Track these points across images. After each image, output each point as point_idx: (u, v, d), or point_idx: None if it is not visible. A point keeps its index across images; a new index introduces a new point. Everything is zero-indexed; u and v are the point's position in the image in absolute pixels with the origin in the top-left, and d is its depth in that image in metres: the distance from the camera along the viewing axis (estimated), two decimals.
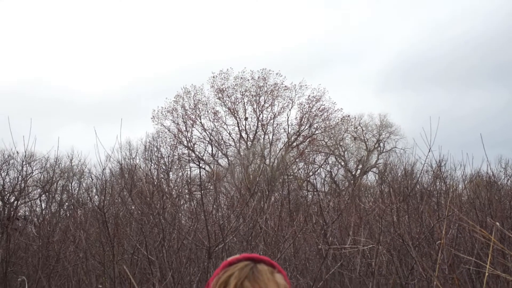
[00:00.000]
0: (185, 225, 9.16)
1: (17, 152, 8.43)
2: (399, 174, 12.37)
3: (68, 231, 9.32)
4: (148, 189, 8.46)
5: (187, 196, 11.04)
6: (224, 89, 41.75)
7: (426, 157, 8.54)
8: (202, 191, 9.93)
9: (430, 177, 11.49)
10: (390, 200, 9.23)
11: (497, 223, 5.83)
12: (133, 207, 8.97)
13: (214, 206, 8.33)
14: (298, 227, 8.38)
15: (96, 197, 9.91)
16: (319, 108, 42.02)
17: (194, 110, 41.17)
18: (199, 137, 40.72)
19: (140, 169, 12.48)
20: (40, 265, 8.21)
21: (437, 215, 8.54)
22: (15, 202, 11.62)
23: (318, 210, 9.56)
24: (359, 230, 8.66)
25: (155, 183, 9.89)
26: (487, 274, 4.94)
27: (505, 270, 6.40)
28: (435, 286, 5.96)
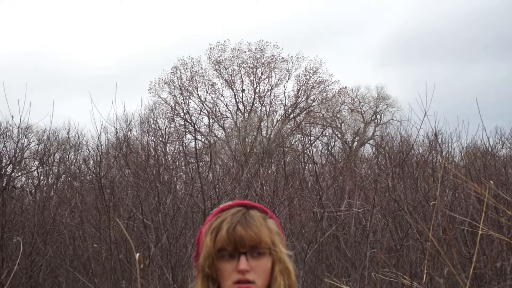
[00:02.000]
0: (181, 190, 9.19)
1: (14, 123, 8.44)
2: (396, 144, 12.38)
3: (64, 196, 9.35)
4: (144, 154, 8.47)
5: (183, 165, 11.06)
6: (221, 61, 41.61)
7: (422, 122, 8.57)
8: (198, 161, 9.94)
9: (426, 147, 11.50)
10: (385, 166, 9.27)
11: (491, 182, 5.86)
12: (128, 172, 9.01)
13: (209, 172, 8.37)
14: (293, 190, 8.41)
15: (92, 162, 9.94)
16: (316, 80, 41.95)
17: (191, 82, 41.08)
18: (196, 109, 40.67)
19: (137, 140, 12.47)
20: (35, 229, 8.24)
21: (432, 180, 8.59)
22: (12, 172, 11.61)
23: (313, 176, 9.59)
24: (354, 195, 8.70)
25: (152, 153, 9.92)
26: (480, 233, 4.98)
27: (499, 230, 6.44)
28: (430, 246, 6.02)
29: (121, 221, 8.61)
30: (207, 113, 40.66)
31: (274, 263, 2.36)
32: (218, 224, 2.36)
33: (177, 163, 10.27)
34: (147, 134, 11.91)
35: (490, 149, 10.64)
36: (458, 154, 11.16)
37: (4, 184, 10.25)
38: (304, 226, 8.67)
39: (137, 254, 3.52)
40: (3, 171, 11.55)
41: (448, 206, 7.57)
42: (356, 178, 9.56)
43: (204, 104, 40.77)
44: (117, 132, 8.62)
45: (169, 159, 10.24)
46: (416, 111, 8.85)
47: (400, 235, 7.73)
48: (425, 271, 5.33)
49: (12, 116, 8.64)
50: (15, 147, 11.92)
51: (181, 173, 10.17)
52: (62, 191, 11.52)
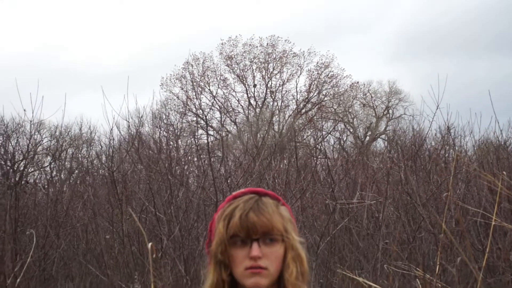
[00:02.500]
0: (193, 183, 9.21)
1: (26, 116, 8.48)
2: (408, 137, 12.32)
3: (77, 189, 9.39)
4: (156, 147, 8.50)
5: (195, 159, 11.08)
6: (232, 56, 41.60)
7: (434, 115, 8.54)
8: (210, 155, 9.96)
9: (438, 140, 11.43)
10: (398, 159, 9.24)
11: (504, 173, 5.83)
12: (141, 167, 9.04)
13: (221, 165, 8.37)
14: (306, 183, 8.40)
15: (104, 157, 9.95)
16: (327, 75, 41.86)
17: (202, 77, 41.09)
18: (207, 104, 40.67)
19: (149, 136, 12.48)
20: (48, 222, 8.28)
21: (445, 173, 8.55)
22: (24, 167, 11.64)
23: (325, 170, 9.58)
24: (366, 188, 8.67)
25: (164, 147, 9.93)
26: (493, 224, 4.96)
27: None
28: (443, 237, 5.98)
29: (134, 214, 8.62)
30: (218, 108, 40.68)
31: (286, 250, 2.36)
32: (231, 211, 2.36)
33: (189, 156, 10.30)
34: (159, 129, 11.92)
35: (503, 142, 10.59)
36: (471, 147, 11.12)
37: (17, 179, 10.33)
38: (317, 219, 8.66)
39: (149, 244, 3.53)
40: (16, 166, 11.60)
41: (461, 198, 7.54)
42: (369, 171, 9.53)
43: (216, 99, 40.76)
44: (129, 126, 8.66)
45: (181, 152, 10.26)
46: (429, 104, 8.82)
47: (413, 227, 7.70)
48: (438, 262, 5.31)
49: (24, 110, 8.68)
50: (28, 143, 11.98)
51: (193, 168, 10.19)
52: (75, 185, 11.57)
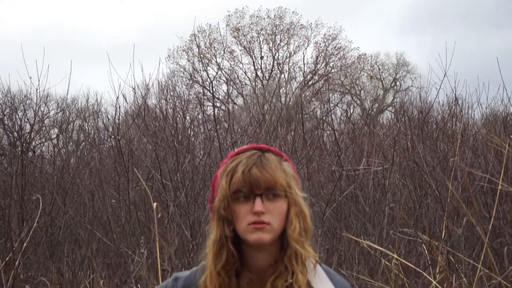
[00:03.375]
0: (199, 151, 9.22)
1: (32, 84, 8.43)
2: (415, 105, 12.25)
3: (83, 156, 9.42)
4: (162, 115, 8.51)
5: (201, 128, 11.09)
6: (239, 27, 41.43)
7: (442, 82, 8.47)
8: (217, 123, 9.95)
9: (445, 109, 11.35)
10: (405, 127, 9.22)
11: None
12: (147, 136, 9.03)
13: (228, 133, 8.35)
14: (312, 149, 8.39)
15: (111, 128, 9.92)
16: (335, 47, 41.68)
17: (209, 49, 40.95)
18: (214, 76, 40.56)
19: (156, 108, 12.44)
20: (55, 188, 8.31)
21: (452, 140, 8.53)
22: (30, 136, 11.65)
23: (332, 136, 9.58)
24: (372, 155, 8.66)
25: (170, 113, 9.93)
26: (499, 188, 4.95)
27: None
28: (449, 203, 6.00)
29: (140, 183, 8.65)
30: (225, 80, 40.58)
31: (289, 205, 2.35)
32: (234, 167, 2.35)
33: (195, 123, 10.31)
34: (166, 101, 11.88)
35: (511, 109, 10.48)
36: (479, 118, 11.06)
37: (24, 149, 10.35)
38: (323, 187, 8.66)
39: (155, 204, 3.54)
40: (23, 138, 11.62)
41: (468, 164, 7.51)
42: (375, 139, 9.51)
43: (223, 71, 40.64)
44: (135, 94, 8.64)
45: (188, 119, 10.27)
46: (436, 72, 8.76)
47: (419, 193, 7.70)
48: (444, 227, 5.32)
49: (30, 78, 8.65)
50: (34, 112, 11.98)
51: (199, 135, 10.20)
52: (82, 155, 11.59)
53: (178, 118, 10.13)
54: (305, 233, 2.39)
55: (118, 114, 9.13)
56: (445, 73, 8.53)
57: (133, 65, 8.42)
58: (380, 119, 31.23)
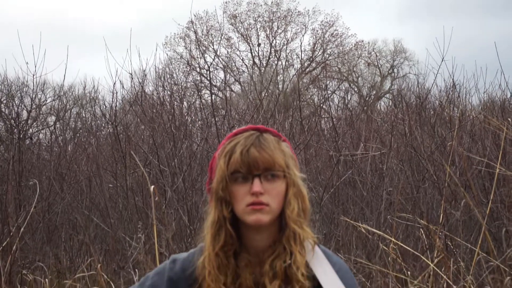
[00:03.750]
0: (197, 136, 9.21)
1: (29, 70, 8.37)
2: (413, 90, 12.20)
3: (80, 142, 9.41)
4: (158, 98, 8.49)
5: (199, 116, 11.07)
6: (236, 14, 41.32)
7: (439, 67, 8.43)
8: (214, 108, 9.91)
9: (443, 95, 11.31)
10: (402, 112, 9.20)
11: (509, 119, 5.79)
12: (143, 127, 9.02)
13: (225, 118, 8.33)
14: (310, 134, 8.38)
15: (107, 114, 9.88)
16: (332, 34, 41.60)
17: (206, 37, 40.84)
18: (211, 63, 40.45)
19: (153, 95, 12.41)
20: (52, 174, 8.29)
21: (450, 126, 8.51)
22: (27, 123, 11.56)
23: (329, 122, 9.57)
24: (370, 140, 8.66)
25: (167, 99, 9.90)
26: (497, 172, 4.94)
27: None
28: (447, 188, 6.00)
29: (137, 169, 8.65)
30: (222, 67, 40.49)
31: (288, 186, 2.34)
32: (232, 147, 2.33)
33: (192, 108, 10.29)
34: (162, 87, 11.82)
35: (509, 94, 10.47)
36: (476, 101, 11.03)
37: (21, 135, 10.32)
38: (321, 173, 8.65)
39: (152, 187, 3.52)
40: (20, 125, 11.56)
41: (466, 149, 7.50)
42: (373, 124, 9.51)
43: (220, 59, 40.55)
44: (132, 79, 8.61)
45: (185, 105, 10.24)
46: (434, 56, 8.74)
47: (417, 177, 7.70)
48: (442, 211, 5.31)
49: (27, 63, 8.60)
50: (31, 100, 11.90)
51: (196, 121, 10.18)
52: (79, 141, 11.56)
53: (175, 105, 10.10)
54: (303, 214, 2.38)
55: (115, 100, 9.13)
56: (443, 58, 8.51)
57: (130, 51, 8.41)
58: (378, 106, 31.20)
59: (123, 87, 9.91)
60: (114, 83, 8.68)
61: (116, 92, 8.70)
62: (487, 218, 4.64)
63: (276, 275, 2.32)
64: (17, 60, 9.19)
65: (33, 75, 8.62)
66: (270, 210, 2.30)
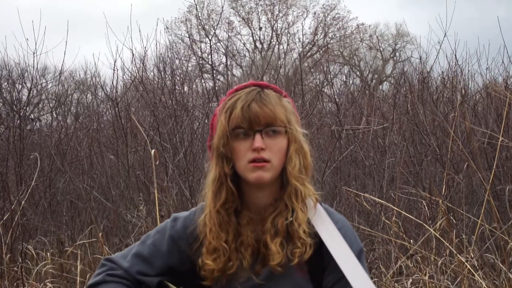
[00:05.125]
0: (199, 114, 9.18)
1: (30, 49, 8.30)
2: (415, 66, 12.10)
3: (82, 123, 9.42)
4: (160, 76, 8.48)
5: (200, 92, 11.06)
6: None
7: (441, 42, 8.32)
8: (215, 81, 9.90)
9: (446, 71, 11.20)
10: (405, 89, 9.18)
11: None
12: (144, 103, 8.99)
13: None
14: (311, 108, 8.36)
15: (108, 89, 9.83)
16: (333, 17, 41.52)
17: (207, 20, 40.75)
18: (213, 48, 40.33)
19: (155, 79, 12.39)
20: (53, 148, 8.27)
21: (452, 102, 8.47)
22: (28, 98, 11.47)
23: (332, 98, 9.56)
24: (372, 115, 8.63)
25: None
26: (500, 143, 4.92)
27: None
28: (449, 160, 5.98)
29: (139, 147, 8.67)
30: (223, 51, 40.42)
31: (289, 142, 2.33)
32: (233, 103, 2.32)
33: (193, 86, 10.27)
34: (163, 66, 11.75)
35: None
36: (478, 78, 10.95)
37: (22, 117, 10.28)
38: (323, 151, 8.62)
39: (153, 150, 3.49)
40: (21, 104, 11.50)
41: (470, 120, 7.43)
42: (374, 100, 9.48)
43: (221, 43, 40.45)
44: (133, 55, 8.56)
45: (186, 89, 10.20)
46: (437, 32, 8.67)
47: (420, 150, 7.69)
48: (444, 183, 5.29)
49: (27, 39, 8.51)
50: (31, 79, 11.82)
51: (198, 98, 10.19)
52: (81, 122, 11.58)
53: (176, 87, 10.06)
54: (305, 171, 2.37)
55: (116, 76, 9.08)
56: (445, 34, 8.41)
57: (130, 28, 8.35)
58: (380, 88, 31.12)
59: (123, 64, 9.90)
60: (115, 60, 8.67)
61: (117, 70, 8.66)
62: (490, 183, 4.62)
63: (277, 233, 2.32)
64: (16, 37, 9.14)
65: (34, 53, 8.55)
66: (271, 167, 2.29)
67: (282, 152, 2.31)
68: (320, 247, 2.30)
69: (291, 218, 2.29)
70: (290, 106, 2.38)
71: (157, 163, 3.78)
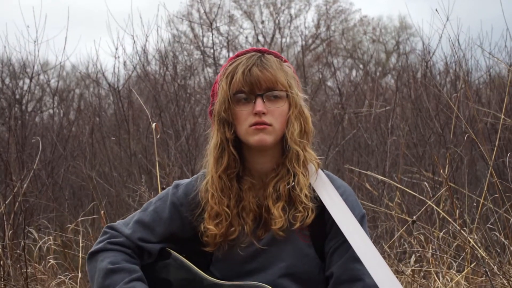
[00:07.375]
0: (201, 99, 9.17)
1: (30, 37, 8.26)
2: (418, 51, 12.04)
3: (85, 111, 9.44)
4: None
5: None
6: None
7: (444, 27, 8.26)
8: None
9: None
10: (408, 76, 9.15)
11: None
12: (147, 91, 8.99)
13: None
14: (312, 91, 8.36)
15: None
16: (336, 10, 41.40)
17: (209, 14, 40.70)
18: (215, 42, 40.32)
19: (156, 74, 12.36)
20: (54, 133, 8.27)
21: (455, 86, 8.44)
22: (29, 88, 11.44)
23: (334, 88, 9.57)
24: (374, 100, 8.62)
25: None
26: (501, 124, 4.91)
27: None
28: (451, 141, 5.97)
29: (140, 136, 8.67)
30: (226, 45, 40.40)
31: (290, 107, 2.33)
32: (234, 68, 2.33)
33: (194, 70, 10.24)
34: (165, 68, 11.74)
35: None
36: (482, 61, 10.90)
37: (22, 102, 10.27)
38: (326, 138, 8.62)
39: (153, 124, 3.48)
40: (22, 93, 11.47)
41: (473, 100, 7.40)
42: (376, 84, 9.47)
43: (224, 37, 40.43)
44: (134, 42, 8.54)
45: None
46: (439, 17, 8.62)
47: (422, 133, 7.67)
48: (447, 163, 5.27)
49: (27, 27, 8.45)
50: (32, 67, 11.76)
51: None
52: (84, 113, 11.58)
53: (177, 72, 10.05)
54: (306, 136, 2.37)
55: (118, 64, 9.05)
56: (448, 18, 8.35)
57: (131, 15, 8.33)
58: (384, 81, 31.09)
59: (125, 52, 9.89)
60: (116, 48, 8.66)
61: (119, 57, 8.65)
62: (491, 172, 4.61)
63: (279, 197, 2.32)
64: (17, 26, 9.11)
65: (34, 41, 8.51)
66: (273, 130, 2.29)
67: (283, 116, 2.31)
68: (322, 213, 2.29)
69: (293, 183, 2.29)
70: (290, 71, 2.38)
71: (158, 136, 3.77)
